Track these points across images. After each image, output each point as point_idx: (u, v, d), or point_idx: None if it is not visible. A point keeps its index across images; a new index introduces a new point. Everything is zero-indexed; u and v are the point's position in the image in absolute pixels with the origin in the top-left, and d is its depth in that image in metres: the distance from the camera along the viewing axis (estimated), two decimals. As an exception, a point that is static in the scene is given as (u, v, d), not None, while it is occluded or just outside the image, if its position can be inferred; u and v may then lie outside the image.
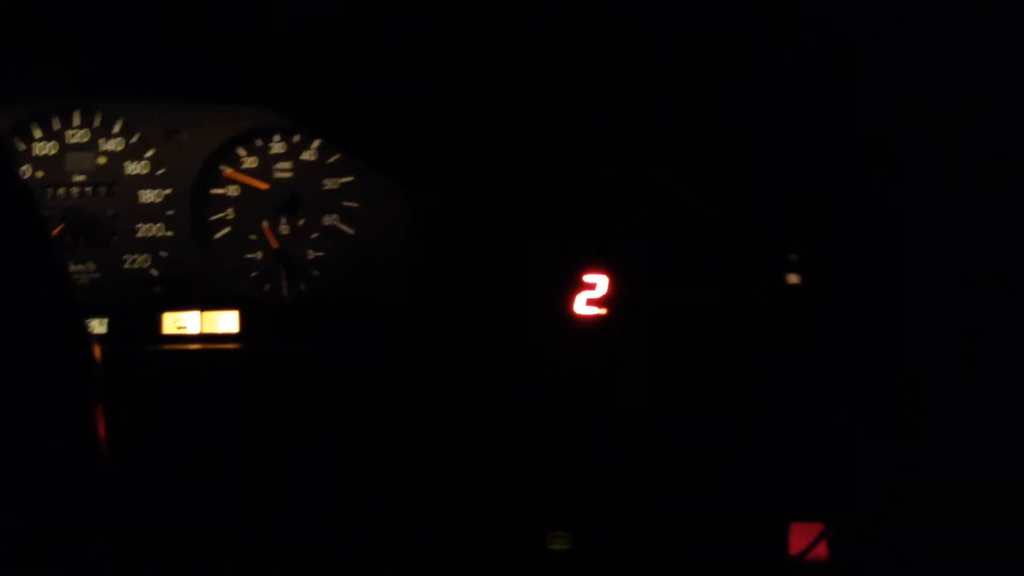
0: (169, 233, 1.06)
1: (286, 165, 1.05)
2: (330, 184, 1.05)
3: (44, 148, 1.06)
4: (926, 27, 0.79)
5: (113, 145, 1.07)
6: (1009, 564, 0.83)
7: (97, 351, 0.56)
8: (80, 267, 1.05)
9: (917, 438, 0.87)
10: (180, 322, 1.05)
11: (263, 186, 1.03)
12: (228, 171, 1.04)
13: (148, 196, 1.06)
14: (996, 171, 0.84)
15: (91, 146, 1.06)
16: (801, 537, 0.87)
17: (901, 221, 0.88)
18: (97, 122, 1.06)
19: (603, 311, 0.89)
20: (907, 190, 0.88)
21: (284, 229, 1.05)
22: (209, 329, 1.05)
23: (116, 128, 1.07)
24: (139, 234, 1.06)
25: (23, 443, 0.53)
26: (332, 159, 1.05)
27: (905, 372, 0.87)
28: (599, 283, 0.89)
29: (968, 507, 0.85)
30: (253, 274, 1.06)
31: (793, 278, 0.87)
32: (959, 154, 0.85)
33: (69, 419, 0.54)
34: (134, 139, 1.06)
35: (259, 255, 1.06)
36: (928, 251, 0.89)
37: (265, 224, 1.05)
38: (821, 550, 0.87)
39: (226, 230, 1.06)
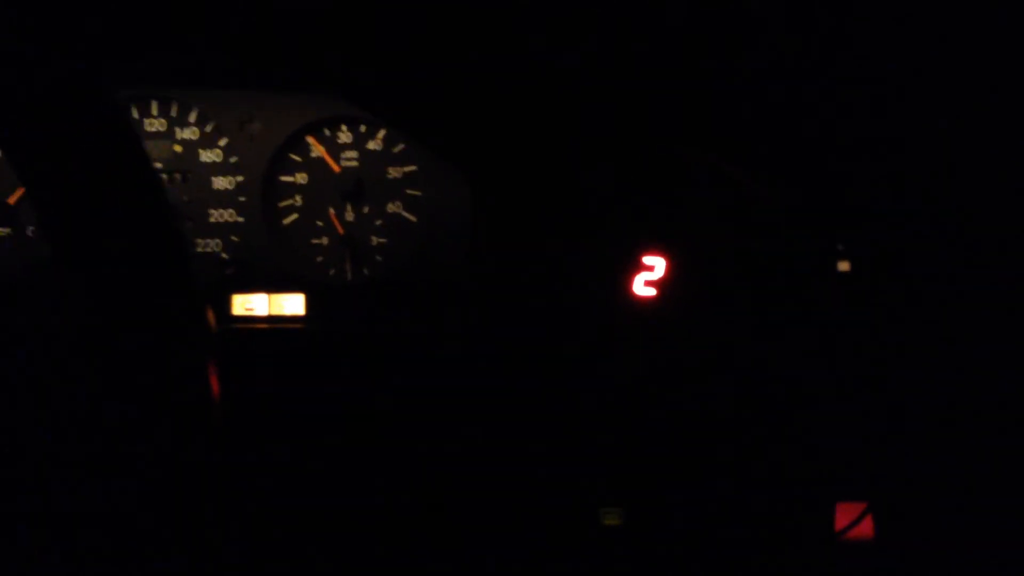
0: (240, 219, 1.11)
1: (352, 154, 1.10)
2: (394, 173, 1.09)
3: (124, 136, 1.12)
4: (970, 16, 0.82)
5: (188, 134, 1.12)
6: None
7: (211, 315, 0.61)
8: (156, 249, 1.10)
9: (960, 422, 0.90)
10: (249, 304, 1.10)
11: (336, 168, 1.08)
12: (311, 139, 1.08)
13: (221, 183, 1.12)
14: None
15: (168, 135, 1.12)
16: (848, 517, 0.90)
17: (948, 212, 0.91)
18: (174, 112, 1.12)
19: (659, 293, 0.93)
20: (954, 182, 0.91)
21: (349, 216, 1.10)
22: (276, 311, 1.10)
23: (191, 118, 1.12)
24: (211, 219, 1.11)
25: (148, 397, 0.58)
26: (396, 148, 1.09)
27: (948, 358, 0.90)
28: (657, 265, 0.92)
29: (1008, 489, 0.88)
30: (319, 259, 1.10)
31: (844, 265, 0.90)
32: (1006, 146, 0.88)
33: (189, 375, 0.59)
34: (208, 128, 1.12)
35: (325, 241, 1.11)
36: (974, 243, 0.92)
37: (331, 211, 1.10)
38: (867, 529, 0.89)
39: (294, 216, 1.11)
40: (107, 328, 0.58)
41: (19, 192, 1.15)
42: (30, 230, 1.15)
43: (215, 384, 0.60)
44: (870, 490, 0.89)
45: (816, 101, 0.88)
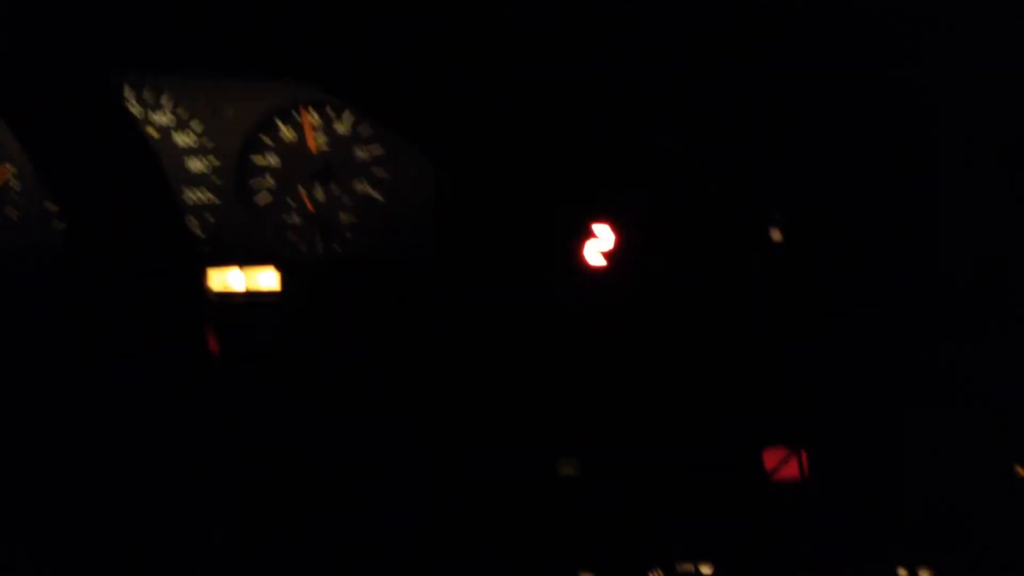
0: (215, 199, 1.17)
1: (322, 137, 1.16)
2: (361, 154, 1.16)
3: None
4: None
5: (163, 119, 1.18)
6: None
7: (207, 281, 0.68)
8: (136, 229, 1.16)
9: (890, 376, 1.00)
10: (225, 279, 1.17)
11: (314, 147, 1.14)
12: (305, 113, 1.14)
13: (196, 165, 1.17)
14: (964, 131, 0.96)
15: (142, 120, 1.17)
16: (775, 461, 1.00)
17: (875, 183, 1.00)
18: (148, 97, 1.17)
19: (609, 261, 1.01)
20: (884, 154, 1.00)
21: (320, 195, 1.17)
22: (252, 286, 1.17)
23: (164, 103, 1.18)
24: (187, 200, 1.17)
25: (152, 349, 0.65)
26: (364, 131, 1.16)
27: (872, 318, 1.00)
28: (605, 235, 1.01)
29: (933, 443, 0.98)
30: (291, 236, 1.17)
31: (777, 234, 0.99)
32: (935, 118, 0.97)
33: (189, 332, 0.66)
34: (182, 113, 1.17)
35: (297, 219, 1.17)
36: (899, 213, 1.01)
37: (302, 190, 1.17)
38: (795, 471, 0.99)
39: (267, 196, 1.17)
40: (115, 293, 0.65)
41: (1, 175, 1.20)
42: (12, 213, 1.20)
43: (214, 342, 0.67)
44: (800, 437, 0.99)
45: (751, 84, 0.96)
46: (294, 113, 1.16)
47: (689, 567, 0.99)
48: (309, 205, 1.16)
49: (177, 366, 0.67)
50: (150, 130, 1.17)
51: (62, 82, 0.65)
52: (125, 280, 0.66)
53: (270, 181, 1.17)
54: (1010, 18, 0.96)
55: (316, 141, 1.15)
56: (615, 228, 1.02)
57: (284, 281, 1.16)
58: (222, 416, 0.72)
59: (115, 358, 0.68)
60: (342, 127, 1.16)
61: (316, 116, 1.16)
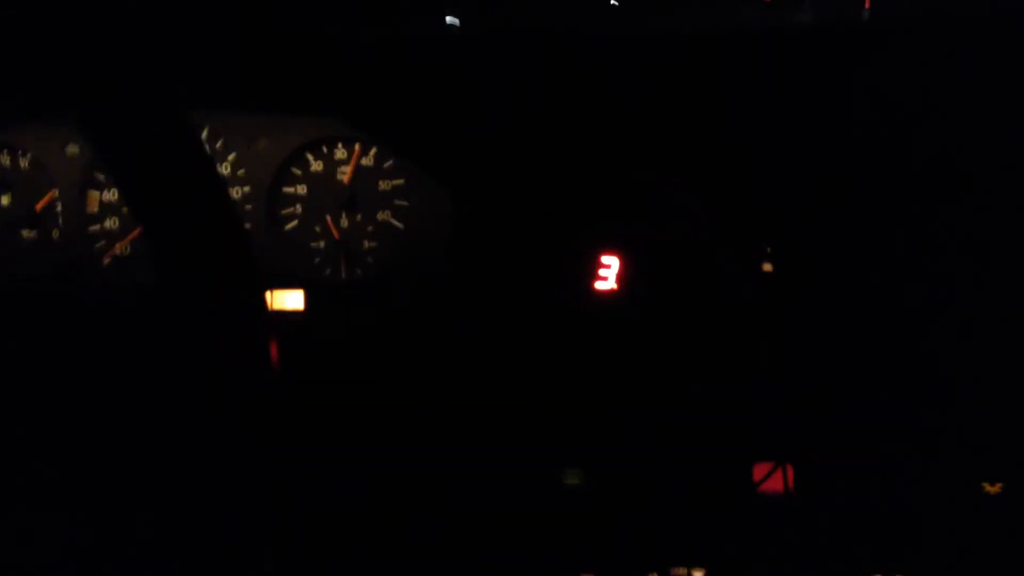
0: (246, 224, 1.26)
1: (347, 169, 1.26)
2: (384, 185, 1.25)
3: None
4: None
5: (200, 150, 1.27)
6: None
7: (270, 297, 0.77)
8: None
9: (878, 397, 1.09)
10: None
11: (346, 180, 1.22)
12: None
13: (229, 194, 1.26)
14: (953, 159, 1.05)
15: (183, 150, 1.26)
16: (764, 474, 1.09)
17: (863, 218, 1.10)
18: (187, 130, 1.26)
19: (615, 288, 1.10)
20: (871, 188, 1.09)
21: (344, 223, 1.26)
22: (278, 306, 1.25)
23: (202, 136, 1.27)
24: (221, 225, 1.26)
25: (220, 369, 0.73)
26: (387, 164, 1.25)
27: (859, 343, 1.09)
28: (612, 264, 1.10)
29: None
30: (317, 260, 1.26)
31: (768, 266, 1.08)
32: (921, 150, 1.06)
33: (253, 347, 0.74)
34: (218, 145, 1.27)
35: (322, 244, 1.26)
36: (887, 246, 1.10)
37: (328, 218, 1.26)
38: (780, 484, 1.08)
39: (295, 223, 1.26)
40: (186, 307, 0.74)
41: (46, 199, 1.29)
42: (55, 234, 1.29)
43: (275, 354, 0.76)
44: (786, 452, 1.08)
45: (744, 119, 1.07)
46: (323, 147, 1.25)
47: (683, 572, 1.07)
48: (335, 232, 1.25)
49: (246, 380, 0.75)
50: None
51: (152, 118, 0.74)
52: (202, 301, 0.74)
53: (299, 210, 1.26)
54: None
55: (336, 176, 1.24)
56: (621, 257, 1.11)
57: (309, 302, 1.25)
58: (272, 427, 0.80)
59: (185, 375, 0.77)
60: (367, 160, 1.25)
61: (346, 150, 1.25)
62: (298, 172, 1.26)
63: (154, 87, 0.78)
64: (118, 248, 1.27)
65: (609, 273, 1.09)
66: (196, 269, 0.74)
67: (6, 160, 1.31)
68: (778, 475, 1.07)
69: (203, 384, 0.76)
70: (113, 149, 0.73)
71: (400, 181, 1.25)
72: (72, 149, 1.27)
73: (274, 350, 0.77)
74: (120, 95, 0.76)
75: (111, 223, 1.28)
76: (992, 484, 1.04)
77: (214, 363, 0.75)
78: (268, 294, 1.24)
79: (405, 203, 1.24)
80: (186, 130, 0.75)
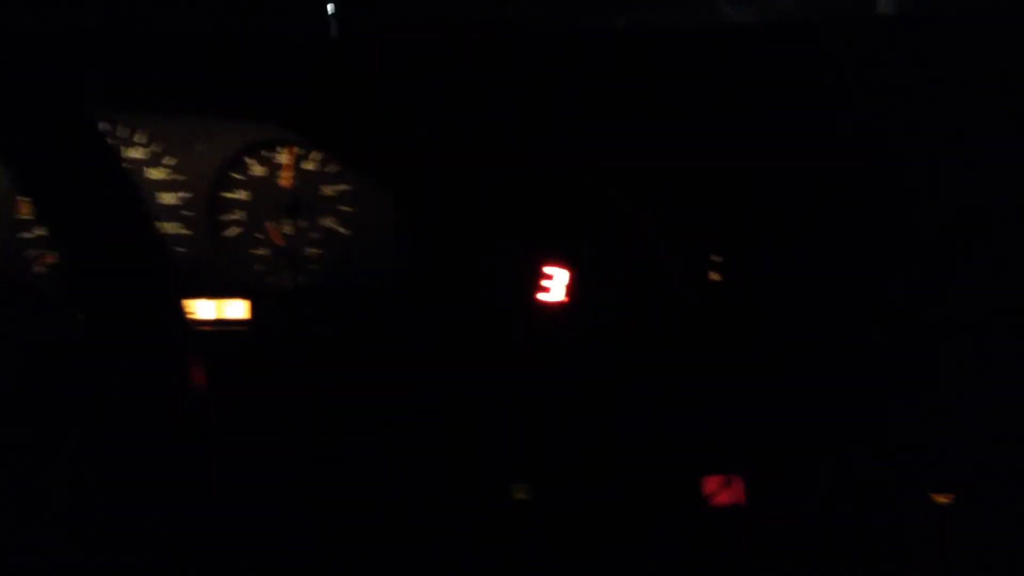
0: (186, 231, 1.22)
1: (288, 174, 1.22)
2: (327, 191, 1.22)
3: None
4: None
5: (136, 153, 1.22)
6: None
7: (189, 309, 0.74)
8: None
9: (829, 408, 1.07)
10: (195, 309, 1.22)
11: (286, 183, 1.19)
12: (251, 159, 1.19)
13: (167, 199, 1.22)
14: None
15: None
16: (717, 486, 1.07)
17: (813, 226, 1.08)
18: (121, 133, 1.22)
19: (561, 299, 1.08)
20: (821, 194, 1.07)
21: (287, 229, 1.22)
22: (222, 315, 1.22)
23: (138, 139, 1.23)
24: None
25: (138, 385, 0.70)
26: (329, 169, 1.22)
27: (810, 352, 1.07)
28: (557, 275, 1.07)
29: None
30: (259, 268, 1.22)
31: (715, 276, 1.06)
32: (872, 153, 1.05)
33: (171, 362, 0.71)
34: (155, 148, 1.22)
35: (265, 252, 1.22)
36: (837, 254, 1.09)
37: (270, 225, 1.22)
38: (739, 497, 1.06)
39: (236, 229, 1.22)
40: (98, 322, 0.71)
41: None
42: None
43: (198, 373, 0.73)
44: (737, 464, 1.06)
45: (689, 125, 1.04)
46: (263, 151, 1.21)
47: (633, 586, 1.06)
48: (277, 239, 1.21)
49: (165, 395, 0.72)
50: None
51: (46, 117, 0.70)
52: (111, 309, 0.71)
53: (239, 215, 1.22)
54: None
55: (277, 181, 1.20)
56: (566, 267, 1.09)
57: (253, 311, 1.21)
58: (201, 443, 0.78)
59: (103, 389, 0.73)
60: (309, 164, 1.21)
61: (288, 154, 1.21)
62: (239, 177, 1.22)
63: (57, 93, 0.74)
64: (50, 257, 1.22)
65: (553, 284, 1.07)
66: (106, 280, 0.71)
67: (-67, 166, 1.26)
68: (731, 488, 1.05)
69: (126, 398, 0.72)
70: (14, 155, 0.69)
71: (344, 187, 1.21)
72: (1, 154, 1.22)
73: (195, 365, 0.74)
74: (22, 102, 0.72)
75: (43, 230, 1.23)
76: (943, 495, 1.03)
77: (133, 378, 0.72)
78: (204, 303, 1.20)
79: (349, 209, 1.21)
80: (91, 137, 0.71)
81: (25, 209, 1.24)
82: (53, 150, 0.73)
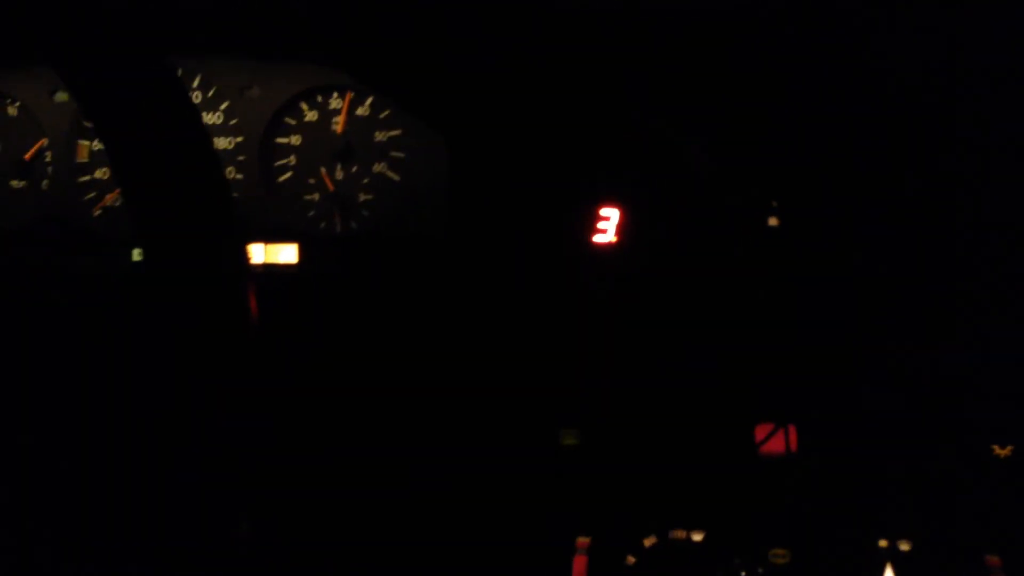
0: (239, 176, 1.23)
1: (342, 119, 1.22)
2: (380, 136, 1.22)
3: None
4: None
5: (192, 98, 1.23)
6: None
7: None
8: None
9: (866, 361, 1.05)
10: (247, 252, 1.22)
11: (339, 129, 1.19)
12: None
13: (221, 143, 1.23)
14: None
15: (174, 98, 1.23)
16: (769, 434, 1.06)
17: (873, 173, 1.06)
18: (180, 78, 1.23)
19: (614, 240, 1.07)
20: (879, 144, 1.05)
21: (339, 174, 1.22)
22: (272, 259, 1.22)
23: (194, 83, 1.24)
24: (213, 175, 1.23)
25: (196, 321, 0.71)
26: (383, 114, 1.21)
27: (861, 303, 1.05)
28: (612, 216, 1.06)
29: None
30: (311, 213, 1.23)
31: (774, 221, 1.04)
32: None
33: (233, 297, 0.72)
34: (210, 93, 1.23)
35: (317, 197, 1.23)
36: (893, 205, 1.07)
37: (323, 170, 1.22)
38: (782, 446, 1.05)
39: (289, 174, 1.23)
40: (160, 259, 0.71)
41: (35, 148, 1.26)
42: (44, 183, 1.26)
43: (254, 303, 0.73)
44: (788, 413, 1.05)
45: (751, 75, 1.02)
46: (318, 96, 1.21)
47: (681, 534, 1.05)
48: (329, 184, 1.22)
49: (224, 329, 0.73)
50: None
51: (118, 56, 0.71)
52: (174, 247, 0.72)
53: (293, 160, 1.23)
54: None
55: (331, 126, 1.21)
56: (621, 209, 1.08)
57: (303, 256, 1.22)
58: (252, 388, 0.78)
59: (163, 324, 0.74)
60: (362, 110, 1.22)
61: (341, 100, 1.21)
62: (292, 122, 1.22)
63: (135, 34, 0.74)
64: (108, 199, 1.24)
65: (608, 226, 1.06)
66: (175, 220, 0.72)
67: (-6, 108, 1.28)
68: (780, 436, 1.03)
69: (184, 340, 0.73)
70: (92, 96, 0.70)
71: (397, 132, 1.21)
72: (61, 96, 1.24)
73: (254, 304, 0.74)
74: (100, 42, 0.72)
75: (101, 173, 1.25)
76: (1003, 447, 1.01)
77: (193, 319, 0.72)
78: (254, 247, 1.21)
79: (402, 155, 1.21)
80: (169, 79, 0.71)
81: (84, 152, 1.26)
82: (125, 88, 0.73)
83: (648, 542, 1.06)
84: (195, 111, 0.75)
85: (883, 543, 1.01)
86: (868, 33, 1.01)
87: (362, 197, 1.22)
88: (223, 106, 1.22)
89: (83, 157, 1.25)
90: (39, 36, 0.74)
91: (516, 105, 1.09)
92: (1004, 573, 0.96)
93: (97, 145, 1.25)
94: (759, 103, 1.04)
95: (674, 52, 1.05)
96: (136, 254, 1.22)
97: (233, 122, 1.22)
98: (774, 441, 1.03)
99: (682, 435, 1.07)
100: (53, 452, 1.18)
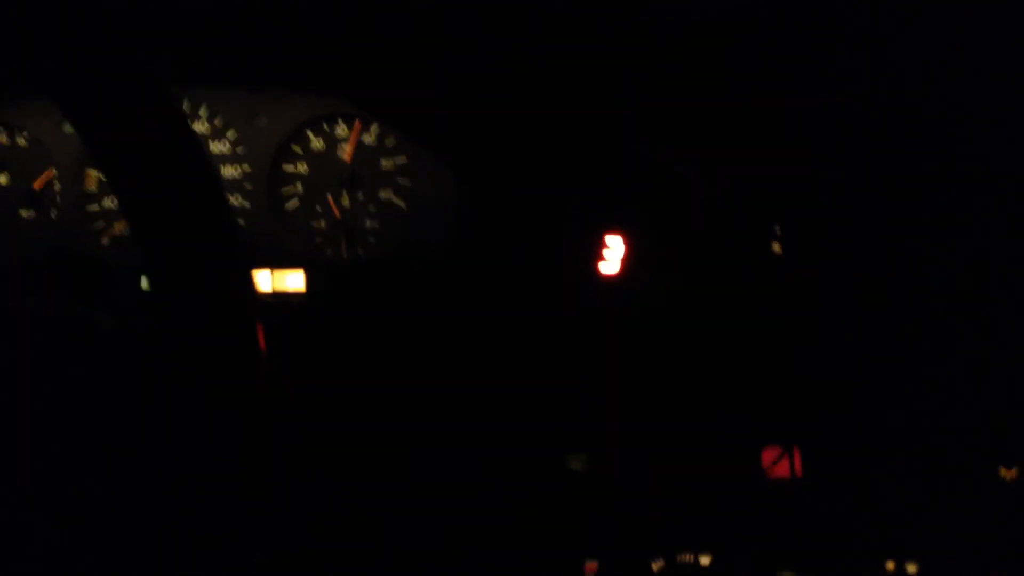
0: (246, 203, 1.24)
1: (350, 147, 1.23)
2: (386, 164, 1.23)
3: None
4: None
5: (199, 127, 1.25)
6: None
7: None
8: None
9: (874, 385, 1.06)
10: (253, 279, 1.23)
11: (347, 157, 1.20)
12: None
13: (229, 172, 1.24)
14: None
15: (181, 128, 1.24)
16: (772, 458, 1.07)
17: (874, 199, 1.07)
18: (185, 108, 1.24)
19: (619, 270, 1.08)
20: (882, 168, 1.07)
21: (346, 202, 1.23)
22: (279, 286, 1.23)
23: (201, 113, 1.25)
24: (221, 204, 1.24)
25: (204, 351, 0.71)
26: (389, 142, 1.23)
27: (868, 326, 1.06)
28: (617, 246, 1.07)
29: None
30: (318, 240, 1.24)
31: (777, 247, 1.06)
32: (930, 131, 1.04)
33: (239, 332, 0.72)
34: (217, 122, 1.24)
35: (323, 224, 1.24)
36: (895, 228, 1.08)
37: (329, 197, 1.23)
38: (796, 470, 1.06)
39: (296, 202, 1.24)
40: (170, 290, 0.72)
41: (44, 177, 1.27)
42: (53, 213, 1.27)
43: (262, 341, 0.74)
44: (794, 436, 1.05)
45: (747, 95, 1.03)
46: (324, 124, 1.23)
47: (689, 557, 1.05)
48: (336, 211, 1.23)
49: (232, 362, 0.73)
50: (187, 138, 1.24)
51: (121, 87, 0.71)
52: (181, 277, 0.72)
53: (299, 188, 1.24)
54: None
55: (338, 154, 1.22)
56: (626, 239, 1.09)
57: (310, 283, 1.23)
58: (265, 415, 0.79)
59: (170, 356, 0.75)
60: (369, 138, 1.23)
61: (347, 127, 1.22)
62: (299, 150, 1.24)
63: (134, 65, 0.75)
64: (118, 228, 1.25)
65: (613, 255, 1.07)
66: (179, 249, 0.72)
67: (3, 138, 1.29)
68: (786, 460, 1.04)
69: (194, 367, 0.74)
70: (91, 128, 0.70)
71: (403, 159, 1.22)
72: (69, 126, 1.25)
73: (261, 332, 0.75)
74: (98, 72, 0.73)
75: (110, 202, 1.26)
76: (1008, 468, 1.02)
77: (202, 346, 0.73)
78: (262, 273, 1.22)
79: (408, 182, 1.22)
80: (169, 109, 0.72)
81: (92, 181, 1.27)
82: (128, 120, 0.74)
83: (656, 566, 1.06)
84: (196, 138, 0.76)
85: (890, 565, 1.02)
86: (872, 57, 1.02)
87: (369, 224, 1.23)
88: (230, 135, 1.24)
89: (92, 186, 1.27)
90: (36, 70, 0.74)
91: (520, 134, 1.10)
92: (1011, 595, 0.97)
93: (105, 174, 1.26)
94: (759, 128, 1.06)
95: (676, 78, 1.06)
96: (145, 282, 1.22)
97: (240, 150, 1.24)
98: (781, 464, 1.04)
99: (689, 459, 1.07)
100: (58, 477, 1.19)
